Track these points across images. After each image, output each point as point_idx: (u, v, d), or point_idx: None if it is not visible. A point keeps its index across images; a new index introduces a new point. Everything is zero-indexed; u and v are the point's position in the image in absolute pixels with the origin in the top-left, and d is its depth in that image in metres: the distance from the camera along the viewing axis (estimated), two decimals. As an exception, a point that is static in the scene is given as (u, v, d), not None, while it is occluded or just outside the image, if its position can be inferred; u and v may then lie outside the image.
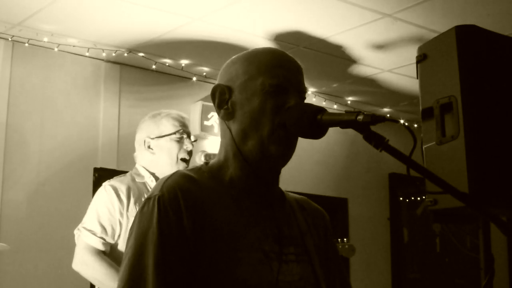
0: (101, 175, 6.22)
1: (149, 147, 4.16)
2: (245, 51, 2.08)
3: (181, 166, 4.12)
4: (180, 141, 4.14)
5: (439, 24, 5.60)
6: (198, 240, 1.84)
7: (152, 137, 4.16)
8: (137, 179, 4.14)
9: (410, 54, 5.76)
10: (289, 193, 2.17)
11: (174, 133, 4.15)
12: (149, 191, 4.10)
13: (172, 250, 1.83)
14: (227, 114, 2.01)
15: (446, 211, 2.88)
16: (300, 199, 2.19)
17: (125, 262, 1.86)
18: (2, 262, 5.92)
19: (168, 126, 4.17)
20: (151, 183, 4.12)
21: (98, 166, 6.50)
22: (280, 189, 2.11)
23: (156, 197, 1.88)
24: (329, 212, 2.24)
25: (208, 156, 6.86)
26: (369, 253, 8.44)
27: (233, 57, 2.08)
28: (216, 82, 2.08)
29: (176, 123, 4.18)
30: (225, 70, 2.07)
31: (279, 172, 2.05)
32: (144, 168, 4.19)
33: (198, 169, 2.03)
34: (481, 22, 3.11)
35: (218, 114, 2.04)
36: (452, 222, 3.15)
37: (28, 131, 6.28)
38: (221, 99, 2.02)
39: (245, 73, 2.00)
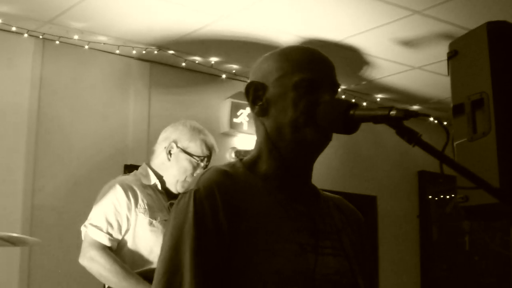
0: (132, 172, 6.25)
1: (169, 151, 4.14)
2: (277, 49, 2.10)
3: (180, 187, 4.13)
4: (195, 167, 4.12)
5: (469, 20, 5.57)
6: (233, 233, 1.85)
7: (178, 145, 4.14)
8: (144, 181, 4.14)
9: (440, 51, 5.74)
10: (324, 192, 2.18)
11: (197, 158, 4.12)
12: (155, 191, 4.13)
13: (208, 244, 1.84)
14: (261, 110, 2.03)
15: (477, 208, 2.87)
16: (335, 199, 2.19)
17: (162, 255, 1.88)
18: (34, 256, 6.01)
19: (198, 148, 4.13)
20: (158, 186, 4.14)
21: (128, 163, 6.54)
22: (314, 186, 2.11)
23: (192, 192, 1.90)
24: (358, 209, 2.24)
25: (238, 152, 6.89)
26: (398, 251, 8.42)
27: (266, 54, 2.10)
28: (249, 79, 2.09)
29: (206, 151, 4.15)
30: (258, 67, 2.09)
31: (312, 163, 2.05)
32: (152, 170, 4.18)
33: (232, 165, 2.04)
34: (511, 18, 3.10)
35: (252, 110, 2.06)
36: (483, 219, 3.14)
37: (59, 129, 6.34)
38: (255, 95, 2.04)
39: (278, 69, 2.01)
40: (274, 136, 2.00)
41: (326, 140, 1.99)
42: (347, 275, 2.00)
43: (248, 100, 2.06)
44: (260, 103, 2.03)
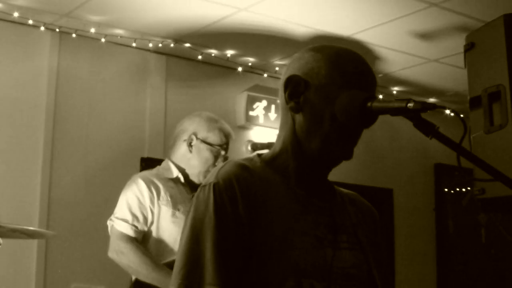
0: (148, 165, 6.25)
1: (190, 144, 4.23)
2: (327, 47, 2.04)
3: (202, 178, 4.19)
4: (217, 156, 4.21)
5: (486, 13, 5.54)
6: (252, 226, 1.86)
7: (198, 136, 4.22)
8: (166, 174, 4.22)
9: (457, 43, 5.72)
10: (339, 187, 2.18)
11: (218, 147, 4.22)
12: (177, 184, 4.17)
13: (228, 235, 1.85)
14: (296, 107, 1.99)
15: (494, 200, 2.87)
16: (351, 195, 2.20)
17: (182, 248, 1.89)
18: (51, 249, 6.03)
19: (217, 137, 4.23)
20: (181, 179, 4.22)
21: (145, 156, 6.55)
22: (330, 182, 2.12)
23: (212, 184, 1.90)
24: (374, 203, 2.25)
25: (254, 145, 6.89)
26: (414, 244, 8.40)
27: (313, 50, 2.05)
28: (290, 69, 2.05)
29: (224, 139, 4.25)
30: (304, 61, 2.03)
31: (331, 170, 2.07)
32: (174, 164, 4.27)
33: (251, 159, 2.04)
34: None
35: (286, 103, 2.01)
36: (500, 211, 3.13)
37: (76, 122, 6.35)
38: (294, 90, 2.00)
39: (327, 76, 1.96)
40: (302, 136, 1.99)
41: (350, 157, 2.01)
42: (363, 268, 2.01)
43: (284, 92, 2.02)
44: (297, 100, 1.99)
